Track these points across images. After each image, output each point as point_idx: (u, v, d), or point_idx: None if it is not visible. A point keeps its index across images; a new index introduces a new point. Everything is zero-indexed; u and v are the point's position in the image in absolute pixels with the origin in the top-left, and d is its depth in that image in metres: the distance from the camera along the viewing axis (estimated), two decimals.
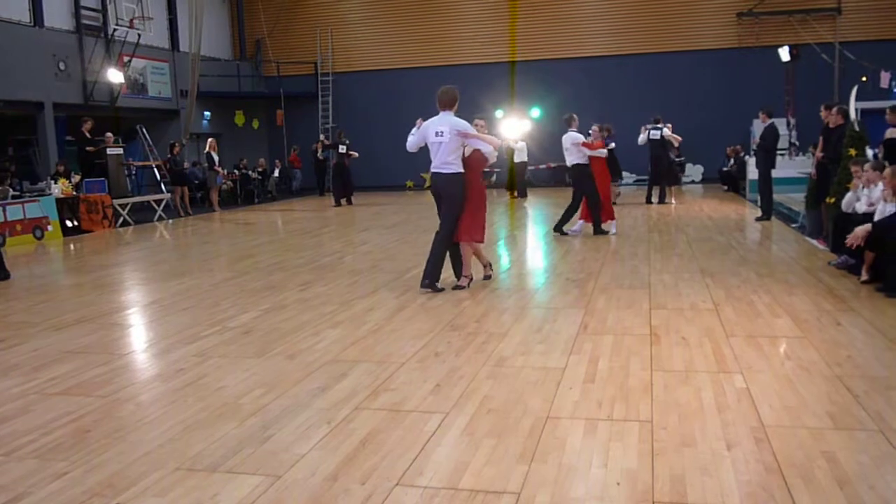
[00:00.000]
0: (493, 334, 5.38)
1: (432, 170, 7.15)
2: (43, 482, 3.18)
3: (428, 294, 6.87)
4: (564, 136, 10.88)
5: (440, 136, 6.95)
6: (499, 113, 21.79)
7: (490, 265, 7.70)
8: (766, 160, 11.87)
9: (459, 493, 2.94)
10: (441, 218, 7.18)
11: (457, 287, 7.14)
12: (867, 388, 3.95)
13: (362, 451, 3.37)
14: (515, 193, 18.78)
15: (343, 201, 18.38)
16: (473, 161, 7.17)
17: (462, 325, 5.69)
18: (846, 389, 3.95)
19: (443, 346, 5.11)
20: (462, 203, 7.06)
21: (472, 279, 7.30)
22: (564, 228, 10.97)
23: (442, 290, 7.03)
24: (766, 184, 11.94)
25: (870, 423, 3.51)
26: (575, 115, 11.03)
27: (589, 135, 11.43)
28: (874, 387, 3.98)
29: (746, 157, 17.16)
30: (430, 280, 7.04)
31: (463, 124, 6.98)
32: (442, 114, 7.05)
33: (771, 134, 11.82)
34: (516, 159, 18.81)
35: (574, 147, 10.76)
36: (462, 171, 7.04)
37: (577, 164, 10.83)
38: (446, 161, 6.98)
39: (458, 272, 7.38)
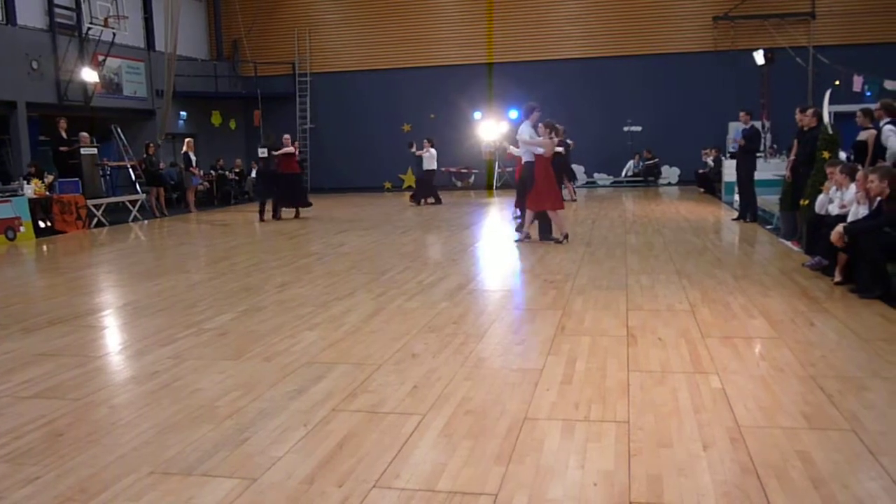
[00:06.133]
0: (471, 336, 5.38)
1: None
2: (14, 487, 3.12)
3: (405, 296, 6.87)
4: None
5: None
6: (476, 115, 21.85)
7: (566, 235, 9.99)
8: (749, 162, 11.95)
9: (437, 495, 2.94)
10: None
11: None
12: (841, 388, 4.00)
13: (339, 454, 3.35)
14: (425, 200, 18.08)
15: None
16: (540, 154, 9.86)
17: (440, 326, 5.68)
18: (820, 389, 3.99)
19: (420, 347, 5.10)
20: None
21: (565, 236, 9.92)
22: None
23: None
24: (747, 186, 12.02)
25: (843, 422, 3.55)
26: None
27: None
28: (847, 387, 4.03)
29: (723, 158, 17.33)
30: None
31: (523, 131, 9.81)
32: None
33: (756, 136, 11.91)
34: (425, 167, 18.05)
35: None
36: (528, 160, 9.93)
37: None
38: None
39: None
